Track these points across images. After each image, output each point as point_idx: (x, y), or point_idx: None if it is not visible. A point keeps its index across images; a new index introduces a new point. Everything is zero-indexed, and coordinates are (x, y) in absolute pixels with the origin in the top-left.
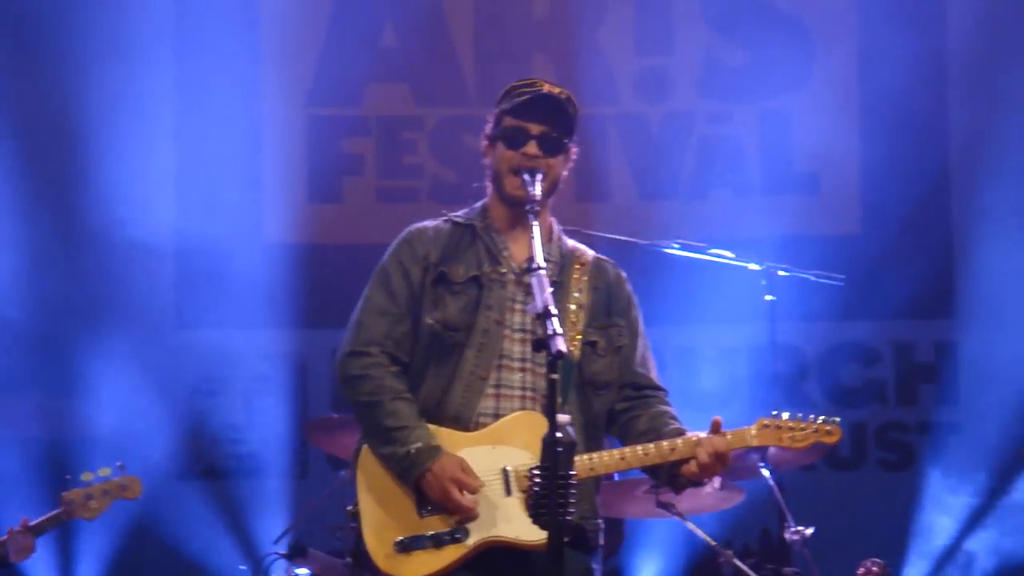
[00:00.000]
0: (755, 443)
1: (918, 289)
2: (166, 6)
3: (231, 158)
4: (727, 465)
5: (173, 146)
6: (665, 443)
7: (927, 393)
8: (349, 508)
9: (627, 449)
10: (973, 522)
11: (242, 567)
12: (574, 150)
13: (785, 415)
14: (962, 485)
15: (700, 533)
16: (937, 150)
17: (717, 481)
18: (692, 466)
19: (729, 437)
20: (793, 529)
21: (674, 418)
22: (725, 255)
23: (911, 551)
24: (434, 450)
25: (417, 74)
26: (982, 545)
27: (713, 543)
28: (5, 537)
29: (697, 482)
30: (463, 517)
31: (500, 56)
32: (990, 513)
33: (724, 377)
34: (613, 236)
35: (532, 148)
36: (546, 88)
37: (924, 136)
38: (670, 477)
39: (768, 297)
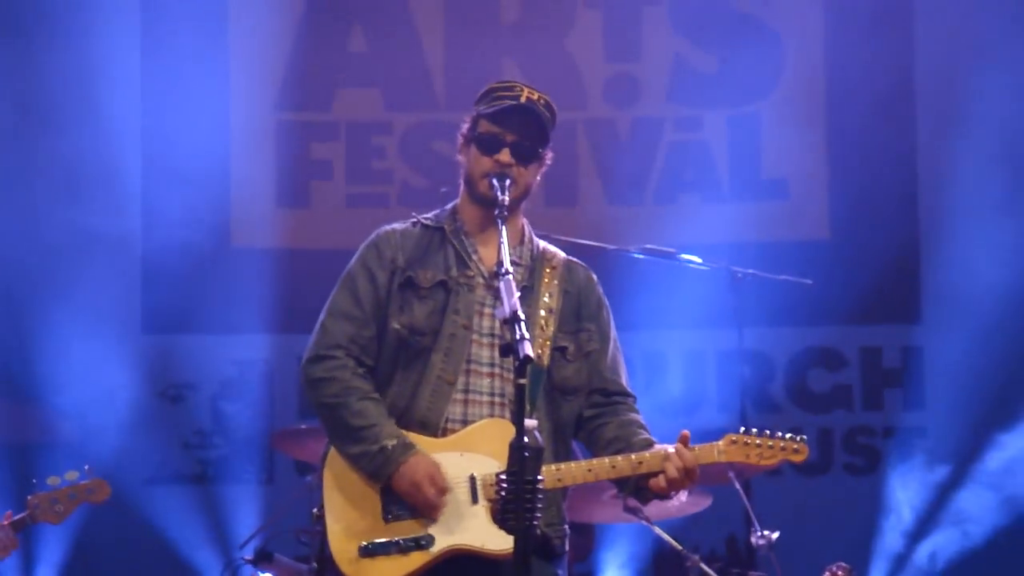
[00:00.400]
0: (723, 459)
1: (884, 295)
2: (132, 7)
3: (199, 161)
4: (695, 480)
5: (140, 148)
6: (633, 456)
7: (893, 398)
8: (314, 511)
9: (595, 461)
10: (936, 525)
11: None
12: (548, 156)
13: (753, 431)
14: (926, 489)
15: (667, 538)
16: (905, 157)
17: (684, 494)
18: (660, 480)
19: (697, 452)
20: (759, 534)
21: (643, 427)
22: (693, 260)
23: (876, 555)
24: (409, 447)
25: (386, 79)
26: (945, 547)
27: (680, 547)
28: None
29: (664, 496)
30: (429, 521)
31: (469, 61)
32: (953, 515)
33: (691, 382)
34: (581, 241)
35: (505, 156)
36: (525, 94)
37: (891, 143)
38: (636, 489)
39: (736, 302)
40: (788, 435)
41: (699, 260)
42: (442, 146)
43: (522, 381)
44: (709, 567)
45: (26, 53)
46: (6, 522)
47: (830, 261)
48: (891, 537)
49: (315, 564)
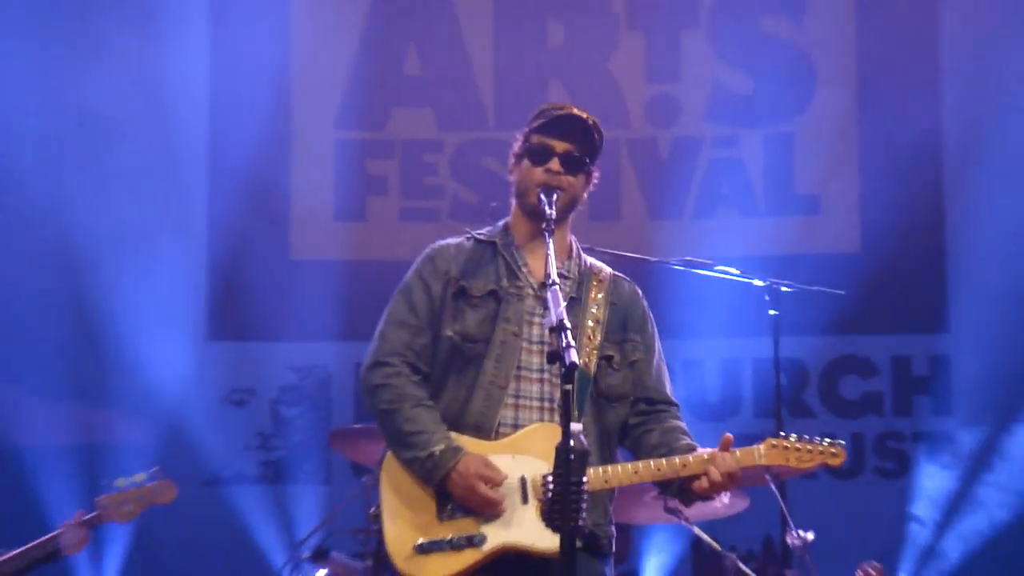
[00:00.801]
0: (763, 462)
1: (914, 305)
2: (201, 32)
3: (262, 176)
4: (737, 482)
5: (206, 166)
6: (677, 459)
7: (922, 404)
8: (371, 511)
9: (640, 463)
10: (962, 523)
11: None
12: (596, 174)
13: (792, 437)
14: (953, 490)
15: (706, 538)
16: (932, 173)
17: (726, 496)
18: (703, 482)
19: (739, 455)
20: (795, 534)
21: (686, 433)
22: (731, 272)
23: (906, 553)
24: (457, 450)
25: (439, 100)
26: (972, 547)
27: (718, 547)
28: (60, 530)
29: (707, 497)
30: (482, 520)
31: (518, 83)
32: (978, 515)
33: (729, 388)
34: (624, 253)
35: (555, 165)
36: (574, 111)
37: (920, 160)
38: (681, 491)
39: (771, 312)
40: (826, 440)
41: (736, 272)
42: (491, 163)
43: (568, 387)
44: (746, 566)
45: (96, 65)
46: (77, 521)
47: (861, 273)
48: (920, 536)
49: (370, 562)
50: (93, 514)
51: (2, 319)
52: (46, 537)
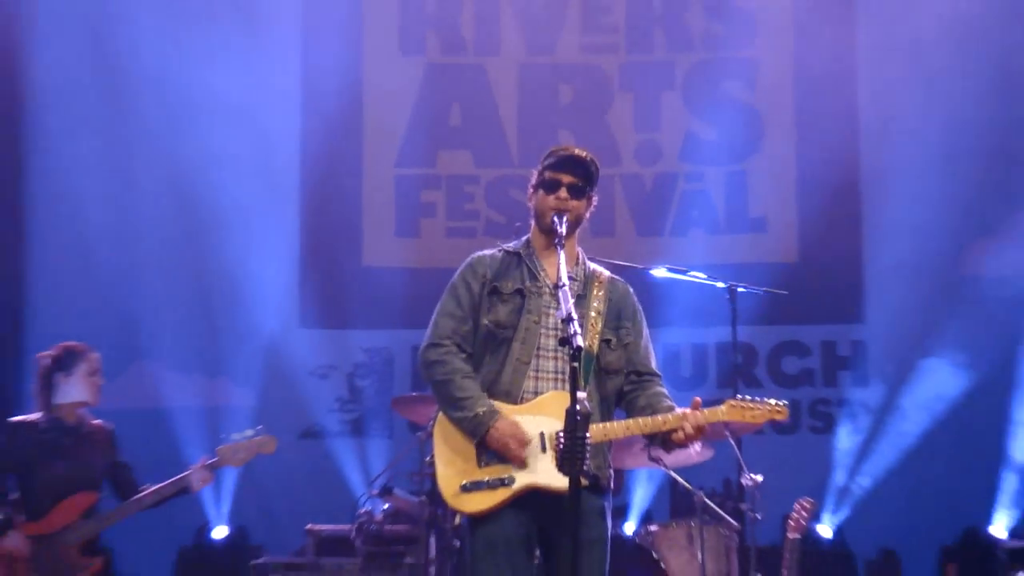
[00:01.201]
0: (724, 418)
1: (838, 302)
2: (295, 65)
3: (339, 200)
4: (704, 434)
5: (298, 198)
6: (659, 417)
7: (844, 378)
8: (427, 459)
9: (631, 421)
10: (878, 470)
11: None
12: (594, 198)
13: (747, 397)
14: (868, 444)
15: (680, 479)
16: (852, 201)
17: (697, 446)
18: (679, 435)
19: (706, 413)
20: (748, 476)
21: (667, 397)
22: (699, 276)
23: (831, 492)
24: (494, 413)
25: (476, 144)
26: (878, 483)
27: (689, 486)
28: (189, 471)
29: (683, 446)
30: (512, 466)
31: (536, 131)
32: (883, 460)
33: (698, 365)
34: (618, 262)
35: (563, 193)
36: (576, 152)
37: (842, 190)
38: (663, 442)
39: (731, 307)
40: (773, 400)
41: (703, 276)
42: (515, 193)
43: (575, 364)
44: (711, 501)
45: (211, 65)
46: (202, 465)
47: (798, 277)
48: (842, 479)
49: (425, 497)
50: (214, 459)
51: (147, 309)
52: (179, 476)
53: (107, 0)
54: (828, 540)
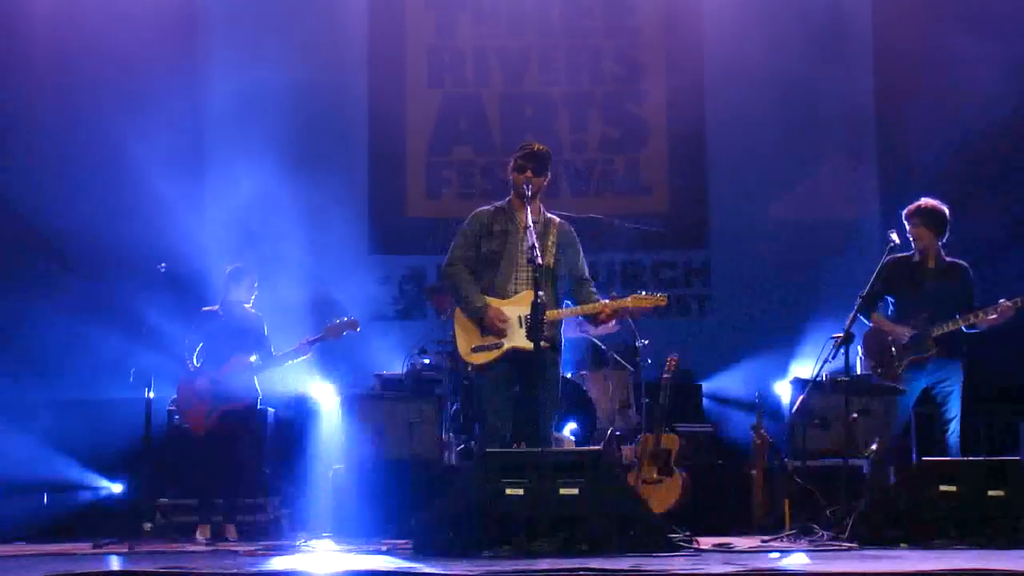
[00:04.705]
0: (630, 305)
1: (691, 233)
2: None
3: (393, 178)
4: (617, 316)
5: (367, 181)
6: (589, 305)
7: (699, 282)
8: (451, 333)
9: (573, 307)
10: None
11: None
12: (549, 175)
13: (642, 293)
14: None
15: (598, 342)
16: (699, 166)
17: (612, 324)
18: (602, 316)
19: (618, 303)
20: (640, 341)
21: (595, 293)
22: (616, 221)
23: (700, 353)
24: (487, 305)
25: (474, 142)
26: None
27: (603, 347)
28: (309, 339)
29: (603, 323)
30: (500, 336)
31: (512, 134)
32: (729, 331)
33: (613, 275)
34: (564, 213)
35: (529, 173)
36: (537, 147)
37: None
38: (592, 321)
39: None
40: (658, 294)
41: (615, 221)
42: (500, 172)
43: (536, 274)
44: (617, 355)
45: (287, 60)
46: (310, 340)
47: (668, 221)
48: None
49: (448, 358)
50: (320, 335)
51: (269, 234)
52: (300, 344)
53: None
54: (683, 379)
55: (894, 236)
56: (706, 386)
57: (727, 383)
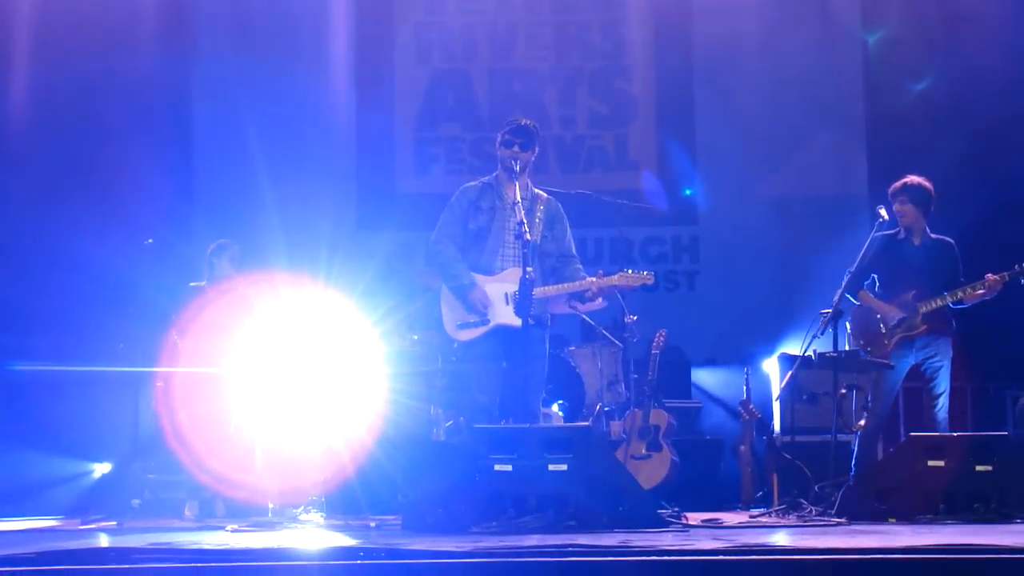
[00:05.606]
0: (616, 283)
1: (681, 209)
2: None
3: (382, 153)
4: (604, 293)
5: (356, 149)
6: (577, 282)
7: (688, 257)
8: (438, 309)
9: (560, 284)
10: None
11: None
12: (536, 150)
13: (630, 270)
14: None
15: (587, 318)
16: (688, 142)
17: (600, 300)
18: (588, 294)
19: (606, 280)
20: (628, 317)
21: (581, 270)
22: (604, 198)
23: (687, 329)
24: (472, 283)
25: (462, 117)
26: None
27: (592, 323)
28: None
29: (591, 300)
30: (486, 313)
31: (499, 110)
32: (712, 303)
33: (601, 252)
34: (552, 188)
35: (516, 148)
36: (524, 122)
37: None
38: (579, 298)
39: (620, 217)
40: (644, 272)
41: (604, 198)
42: (488, 147)
43: (525, 251)
44: (606, 331)
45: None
46: None
47: (660, 198)
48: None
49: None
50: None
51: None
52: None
53: None
54: (672, 354)
55: (883, 213)
56: (694, 361)
57: (715, 358)
